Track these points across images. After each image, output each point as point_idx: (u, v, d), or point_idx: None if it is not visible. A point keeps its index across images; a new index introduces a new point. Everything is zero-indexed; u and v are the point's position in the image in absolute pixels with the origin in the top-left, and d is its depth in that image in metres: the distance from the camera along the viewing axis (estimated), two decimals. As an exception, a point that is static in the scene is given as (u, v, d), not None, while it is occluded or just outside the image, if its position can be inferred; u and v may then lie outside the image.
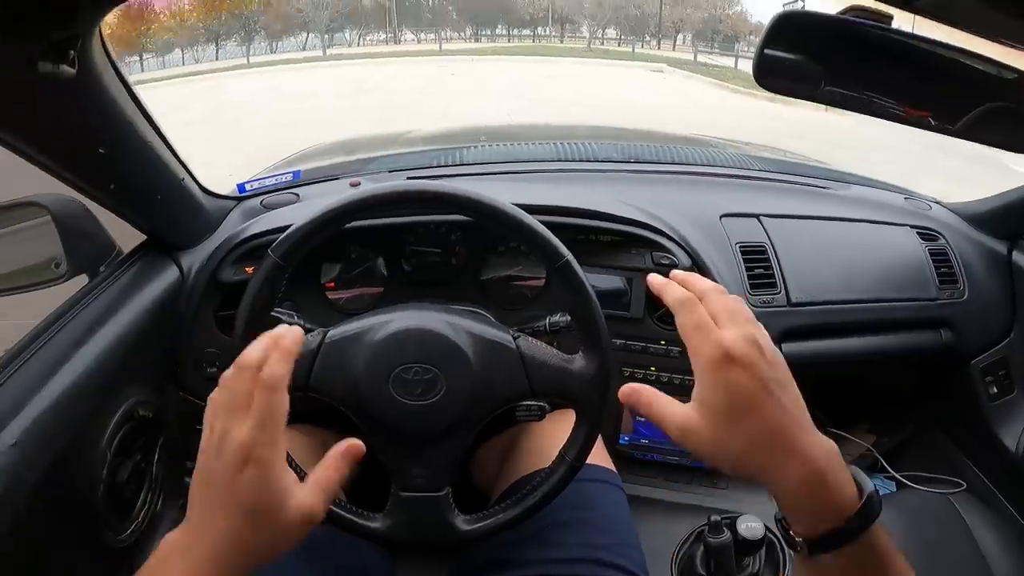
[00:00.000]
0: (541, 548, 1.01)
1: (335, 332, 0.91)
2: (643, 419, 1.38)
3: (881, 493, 1.54)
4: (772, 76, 0.80)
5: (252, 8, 27.80)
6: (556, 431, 1.10)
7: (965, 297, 1.53)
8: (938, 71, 0.74)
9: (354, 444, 0.71)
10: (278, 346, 0.67)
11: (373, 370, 0.88)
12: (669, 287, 0.68)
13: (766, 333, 0.65)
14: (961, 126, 0.76)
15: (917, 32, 0.72)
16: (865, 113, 0.80)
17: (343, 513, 0.92)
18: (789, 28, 0.78)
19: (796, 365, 1.37)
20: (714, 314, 0.64)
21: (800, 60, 0.78)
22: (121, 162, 1.04)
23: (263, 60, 25.13)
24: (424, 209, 1.20)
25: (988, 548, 1.40)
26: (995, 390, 1.59)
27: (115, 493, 1.03)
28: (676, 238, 1.32)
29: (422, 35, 32.03)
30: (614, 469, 1.18)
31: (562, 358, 0.92)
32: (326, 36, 29.04)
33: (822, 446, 0.60)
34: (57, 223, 1.10)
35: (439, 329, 0.89)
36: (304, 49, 28.23)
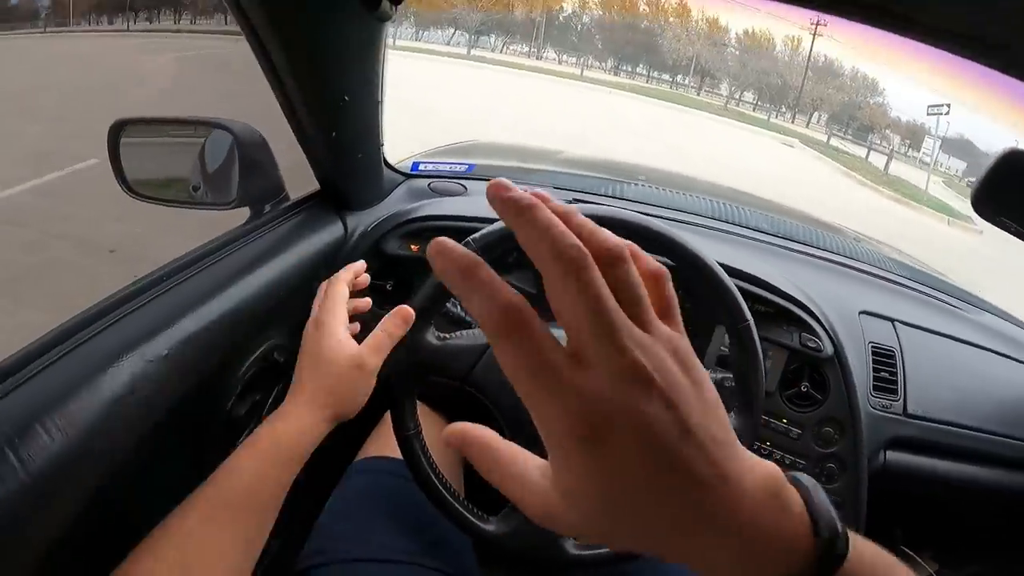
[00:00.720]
0: None
1: None
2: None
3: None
4: (989, 205, 0.81)
5: (409, -6, 28.67)
6: None
7: None
8: None
9: (406, 311, 0.88)
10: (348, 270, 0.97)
11: None
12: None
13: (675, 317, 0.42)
14: None
15: None
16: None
17: (459, 508, 0.92)
18: (1011, 164, 0.79)
19: (895, 475, 1.35)
20: (570, 325, 0.37)
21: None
22: (352, 115, 1.07)
23: (407, 45, 25.89)
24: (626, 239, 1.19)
25: None
26: (1083, 551, 1.51)
27: (231, 425, 1.05)
28: (825, 324, 1.30)
29: (564, 56, 32.40)
30: None
31: None
32: (473, 36, 29.70)
33: (754, 490, 0.38)
34: (240, 150, 1.13)
35: None
36: (448, 44, 28.94)
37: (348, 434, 1.29)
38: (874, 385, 1.35)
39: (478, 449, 0.43)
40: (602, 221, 0.90)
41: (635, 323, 0.37)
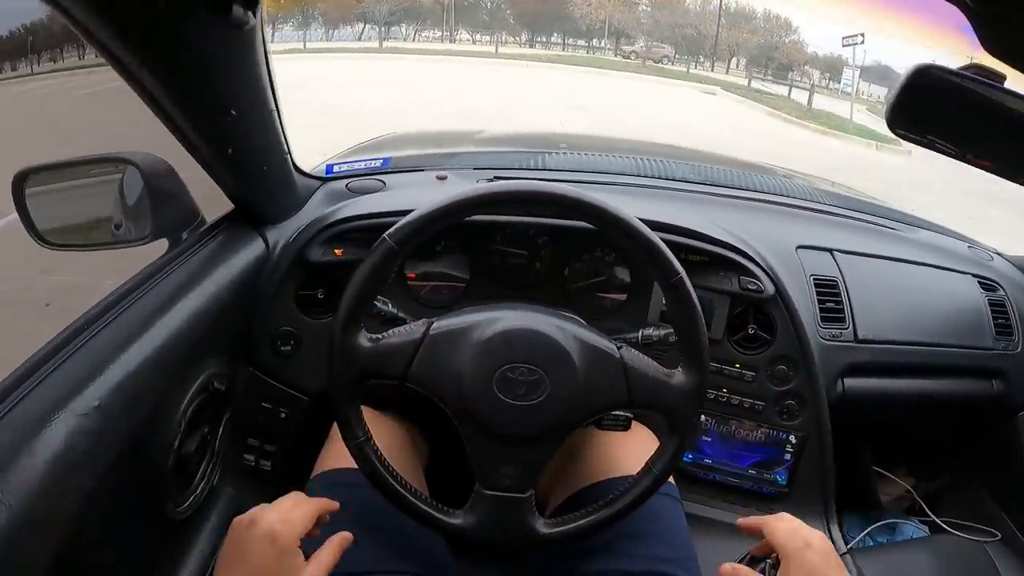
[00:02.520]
0: (608, 559, 1.01)
1: (440, 324, 0.91)
2: (709, 439, 1.36)
3: (915, 536, 1.56)
4: (904, 123, 0.80)
5: (312, -5, 28.14)
6: (620, 442, 1.13)
7: (1019, 349, 1.54)
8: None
9: (346, 537, 0.85)
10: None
11: (479, 367, 0.87)
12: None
13: None
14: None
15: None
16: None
17: (423, 506, 0.91)
18: (920, 81, 0.77)
19: (854, 400, 1.39)
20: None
21: (931, 113, 0.78)
22: (246, 128, 1.03)
23: (319, 47, 25.43)
24: (544, 211, 1.18)
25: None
26: (1037, 444, 1.58)
27: (181, 464, 1.03)
28: (763, 265, 1.33)
29: (477, 36, 32.15)
30: (675, 484, 1.18)
31: (663, 371, 0.93)
32: (383, 28, 29.30)
33: None
34: (147, 183, 1.10)
35: (549, 332, 0.88)
36: (360, 40, 28.50)
37: (300, 453, 1.26)
38: (821, 316, 1.39)
39: None
40: (519, 196, 0.90)
41: None
